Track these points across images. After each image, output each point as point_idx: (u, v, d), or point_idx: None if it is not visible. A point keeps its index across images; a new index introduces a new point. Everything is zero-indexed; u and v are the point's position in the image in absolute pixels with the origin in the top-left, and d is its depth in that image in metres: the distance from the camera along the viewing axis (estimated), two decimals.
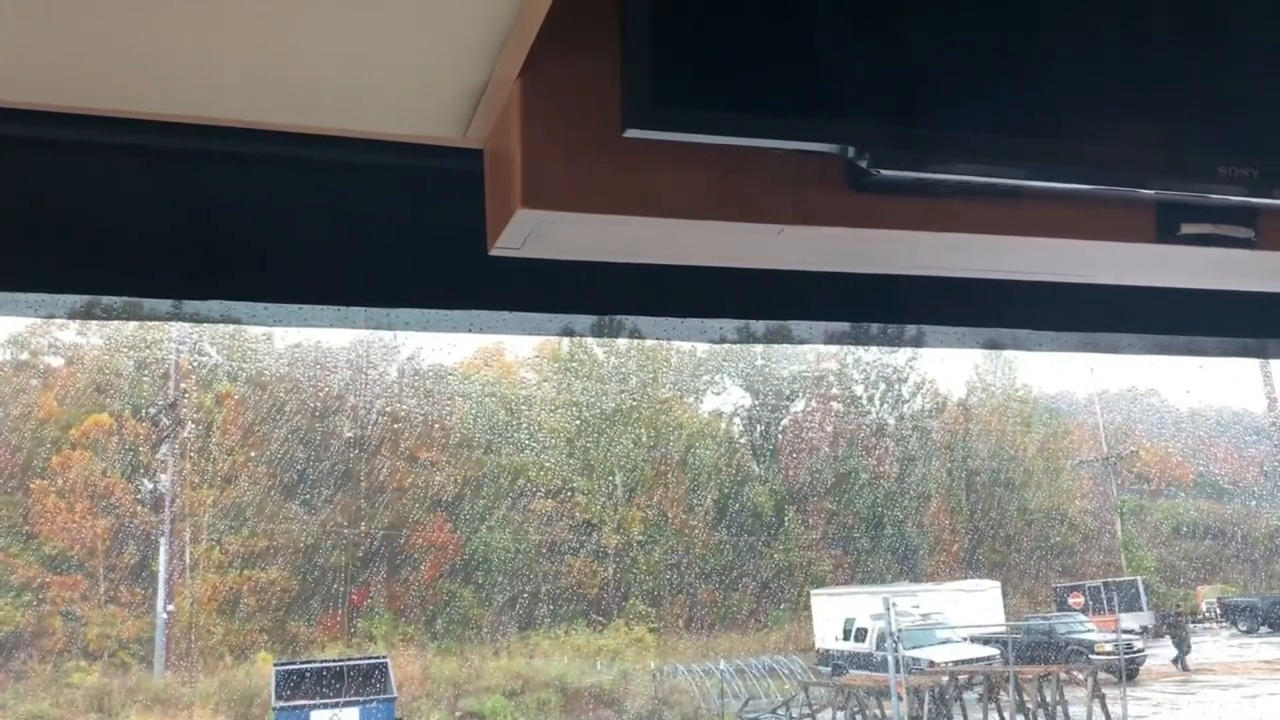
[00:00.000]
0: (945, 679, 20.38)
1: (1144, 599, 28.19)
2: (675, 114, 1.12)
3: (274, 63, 1.17)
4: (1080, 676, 20.43)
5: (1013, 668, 20.71)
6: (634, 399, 29.55)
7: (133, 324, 21.70)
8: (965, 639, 22.96)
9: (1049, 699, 19.30)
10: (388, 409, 27.57)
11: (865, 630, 23.65)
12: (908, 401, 32.95)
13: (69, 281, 1.38)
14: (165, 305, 1.44)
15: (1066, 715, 19.22)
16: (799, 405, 32.29)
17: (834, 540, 30.18)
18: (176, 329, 24.46)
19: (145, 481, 25.98)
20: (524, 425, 28.59)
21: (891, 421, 32.54)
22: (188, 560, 25.46)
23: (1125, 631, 23.72)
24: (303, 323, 1.55)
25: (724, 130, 1.14)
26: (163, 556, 24.83)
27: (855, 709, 20.49)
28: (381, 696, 19.20)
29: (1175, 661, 24.38)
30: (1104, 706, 19.32)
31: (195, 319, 1.48)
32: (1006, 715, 19.55)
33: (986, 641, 23.21)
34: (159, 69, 1.17)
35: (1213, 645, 26.35)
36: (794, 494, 30.65)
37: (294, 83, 1.21)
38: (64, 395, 25.63)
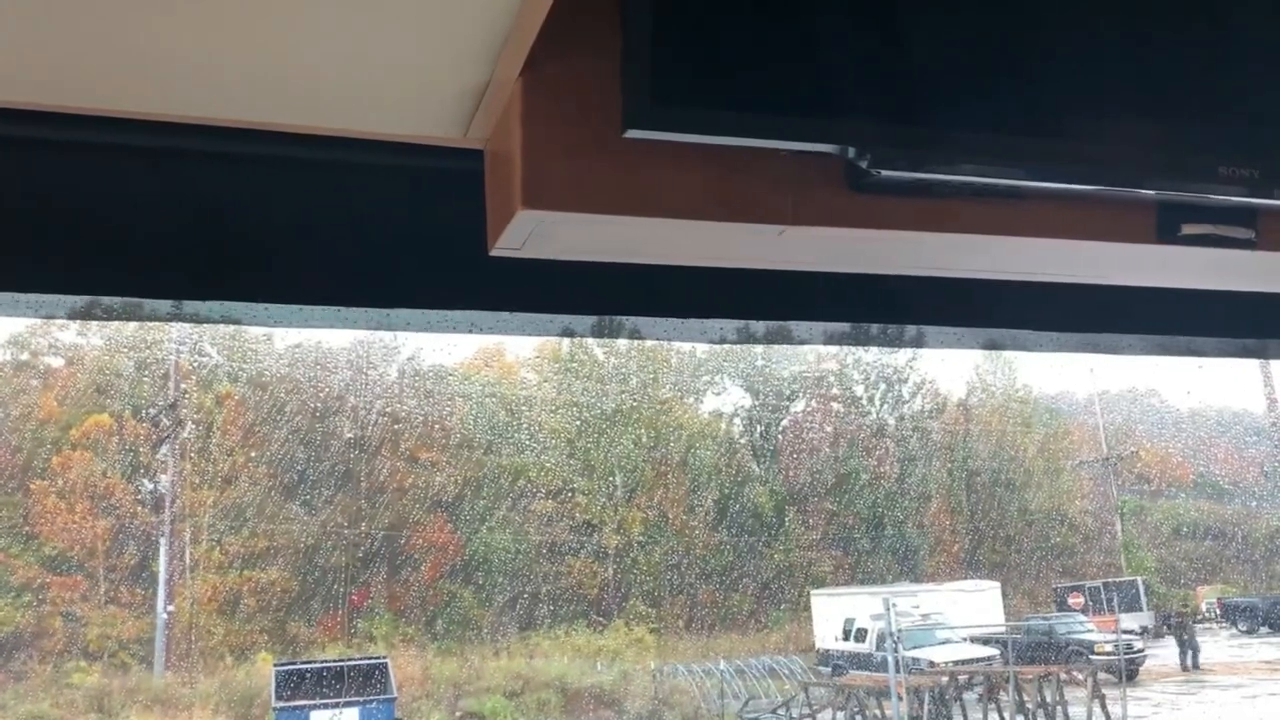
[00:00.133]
0: (945, 679, 20.38)
1: (1144, 599, 28.24)
2: (675, 114, 1.11)
3: (274, 63, 1.17)
4: (1080, 677, 20.43)
5: (1013, 668, 20.71)
6: (634, 399, 29.55)
7: (133, 324, 21.70)
8: (965, 639, 22.97)
9: (1049, 699, 19.30)
10: (388, 409, 27.58)
11: (865, 630, 23.65)
12: (908, 402, 32.97)
13: (74, 282, 1.38)
14: (165, 305, 1.44)
15: (1066, 715, 19.22)
16: (799, 406, 32.32)
17: (834, 541, 30.18)
18: (177, 329, 24.46)
19: (145, 482, 25.99)
20: (524, 426, 28.60)
21: (892, 422, 32.55)
22: (188, 561, 25.46)
23: (1125, 632, 23.73)
24: (303, 323, 1.55)
25: (724, 130, 1.14)
26: (163, 557, 24.83)
27: (855, 709, 20.50)
28: (381, 697, 19.22)
29: (1184, 662, 24.36)
30: (1104, 707, 19.32)
31: (195, 319, 1.48)
32: (1006, 715, 19.55)
33: (986, 642, 23.22)
34: (160, 69, 1.17)
35: (1213, 645, 26.36)
36: (794, 494, 30.65)
37: (295, 83, 1.22)
38: (64, 396, 25.63)
